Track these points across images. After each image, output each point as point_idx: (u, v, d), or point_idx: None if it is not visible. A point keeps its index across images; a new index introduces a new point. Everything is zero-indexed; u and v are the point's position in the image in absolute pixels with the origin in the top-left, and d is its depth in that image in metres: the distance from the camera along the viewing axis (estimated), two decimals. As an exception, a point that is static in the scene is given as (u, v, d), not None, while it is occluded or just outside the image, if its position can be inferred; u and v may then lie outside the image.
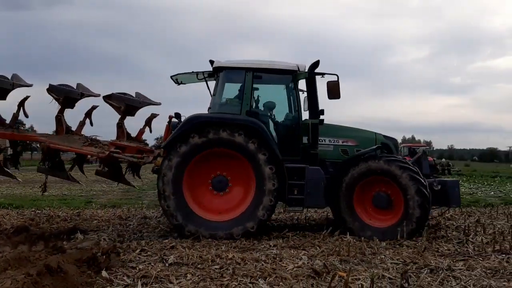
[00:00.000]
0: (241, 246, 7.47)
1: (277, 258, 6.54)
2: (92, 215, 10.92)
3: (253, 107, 8.79)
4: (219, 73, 8.85)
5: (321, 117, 8.65)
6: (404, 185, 8.08)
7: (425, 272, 5.85)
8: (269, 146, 8.14)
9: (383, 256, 6.76)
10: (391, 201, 8.28)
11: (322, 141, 8.79)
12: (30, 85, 8.75)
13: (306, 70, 8.72)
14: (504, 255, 6.90)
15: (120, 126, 9.01)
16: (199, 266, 6.13)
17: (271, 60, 9.02)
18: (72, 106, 8.95)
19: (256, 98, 9.00)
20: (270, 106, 9.12)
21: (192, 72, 9.43)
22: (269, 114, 9.05)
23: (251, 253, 6.90)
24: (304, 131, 8.62)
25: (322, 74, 8.61)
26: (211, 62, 8.98)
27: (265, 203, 8.04)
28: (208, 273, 5.78)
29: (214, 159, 8.29)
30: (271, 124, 8.91)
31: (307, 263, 6.31)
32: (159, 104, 9.26)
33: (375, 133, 9.09)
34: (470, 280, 5.55)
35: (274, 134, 8.73)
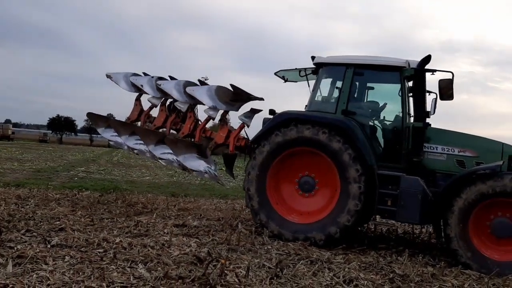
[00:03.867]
0: (134, 232, 7.43)
1: (166, 245, 6.59)
2: (-12, 193, 10.38)
3: (357, 106, 8.19)
4: (319, 69, 8.49)
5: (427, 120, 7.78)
6: None
7: (300, 263, 6.15)
8: (357, 148, 7.47)
9: (270, 247, 7.01)
10: None
11: (433, 148, 7.70)
12: None
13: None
14: (382, 251, 7.41)
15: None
16: (82, 249, 6.04)
17: (376, 56, 8.30)
18: None
19: (358, 97, 8.46)
20: (372, 106, 8.45)
21: (296, 68, 9.11)
22: (369, 115, 8.34)
23: (142, 239, 6.89)
24: (408, 136, 7.72)
25: (433, 71, 7.70)
26: (313, 58, 8.55)
27: (350, 207, 7.38)
28: (89, 256, 5.70)
29: (303, 157, 7.88)
30: (371, 126, 8.17)
31: (194, 250, 6.41)
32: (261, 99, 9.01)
33: (503, 143, 7.57)
34: (342, 272, 5.89)
35: (373, 137, 8.04)
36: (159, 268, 5.42)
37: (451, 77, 7.56)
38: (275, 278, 5.46)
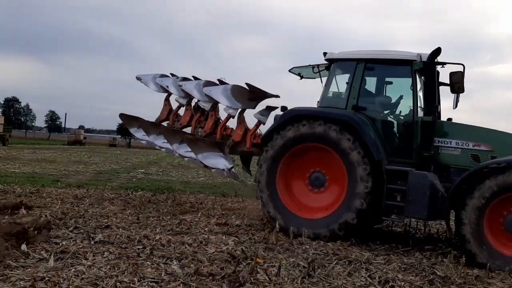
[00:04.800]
0: (176, 229, 7.61)
1: (203, 242, 6.68)
2: (49, 193, 11.00)
3: (367, 101, 8.10)
4: (331, 65, 8.56)
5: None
6: None
7: (335, 262, 6.01)
8: (364, 144, 7.42)
9: (308, 247, 6.92)
10: None
11: (447, 143, 7.53)
12: None
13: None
14: (428, 252, 7.09)
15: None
16: (122, 245, 6.27)
17: (388, 50, 8.27)
18: None
19: (369, 92, 8.39)
20: (383, 101, 8.41)
21: (309, 65, 9.20)
22: (380, 110, 8.28)
23: (182, 237, 7.04)
24: (418, 130, 7.58)
25: (443, 64, 7.71)
26: (324, 54, 8.62)
27: (355, 205, 7.35)
28: (127, 252, 5.91)
29: (313, 153, 7.95)
30: (382, 121, 8.05)
31: (231, 248, 6.45)
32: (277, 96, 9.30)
33: None
34: (378, 272, 5.71)
35: (383, 132, 7.89)
36: (191, 265, 5.50)
37: (462, 70, 7.38)
38: (307, 277, 5.38)
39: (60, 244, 6.06)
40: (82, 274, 4.91)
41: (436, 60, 7.60)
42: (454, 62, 7.57)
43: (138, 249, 6.11)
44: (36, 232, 6.59)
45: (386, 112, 8.32)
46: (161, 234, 7.02)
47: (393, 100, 8.35)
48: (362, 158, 7.36)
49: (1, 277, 4.67)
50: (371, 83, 8.42)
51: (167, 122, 10.42)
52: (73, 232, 6.85)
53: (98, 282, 4.70)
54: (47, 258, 5.38)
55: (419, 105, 7.72)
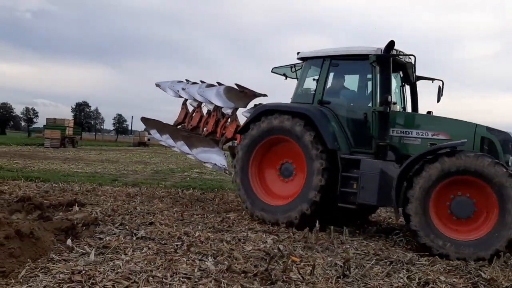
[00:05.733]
0: (218, 227, 7.69)
1: (242, 240, 6.70)
2: (105, 191, 11.46)
3: (332, 96, 8.53)
4: (304, 63, 9.08)
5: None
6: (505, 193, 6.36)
7: (373, 262, 5.83)
8: (320, 135, 7.90)
9: (348, 246, 6.76)
10: (474, 209, 6.65)
11: (408, 133, 7.85)
12: None
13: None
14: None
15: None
16: (162, 241, 6.40)
17: (351, 46, 8.51)
18: None
19: (335, 87, 8.74)
20: (345, 95, 8.80)
21: (288, 65, 9.72)
22: (344, 104, 8.62)
23: (222, 234, 7.10)
24: (374, 121, 7.88)
25: (395, 56, 7.98)
26: (298, 53, 9.11)
27: (315, 183, 7.84)
28: (166, 248, 6.03)
29: (284, 145, 8.50)
30: (345, 114, 8.34)
31: (269, 246, 6.42)
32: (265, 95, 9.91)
33: (476, 124, 7.44)
34: (419, 273, 5.48)
35: (346, 124, 8.27)
36: (225, 262, 5.52)
37: (412, 61, 8.19)
38: (342, 277, 5.25)
39: (104, 239, 6.29)
40: (118, 268, 5.07)
41: (391, 52, 7.77)
42: (405, 53, 8.13)
43: (177, 245, 6.23)
44: (84, 228, 6.92)
45: (348, 105, 8.65)
46: (202, 231, 7.11)
47: (355, 93, 8.75)
48: (316, 143, 7.88)
49: (43, 270, 4.91)
50: (337, 78, 8.82)
51: (183, 124, 11.31)
52: (118, 228, 7.08)
53: (131, 277, 4.83)
54: (89, 253, 5.60)
55: (378, 96, 7.92)
